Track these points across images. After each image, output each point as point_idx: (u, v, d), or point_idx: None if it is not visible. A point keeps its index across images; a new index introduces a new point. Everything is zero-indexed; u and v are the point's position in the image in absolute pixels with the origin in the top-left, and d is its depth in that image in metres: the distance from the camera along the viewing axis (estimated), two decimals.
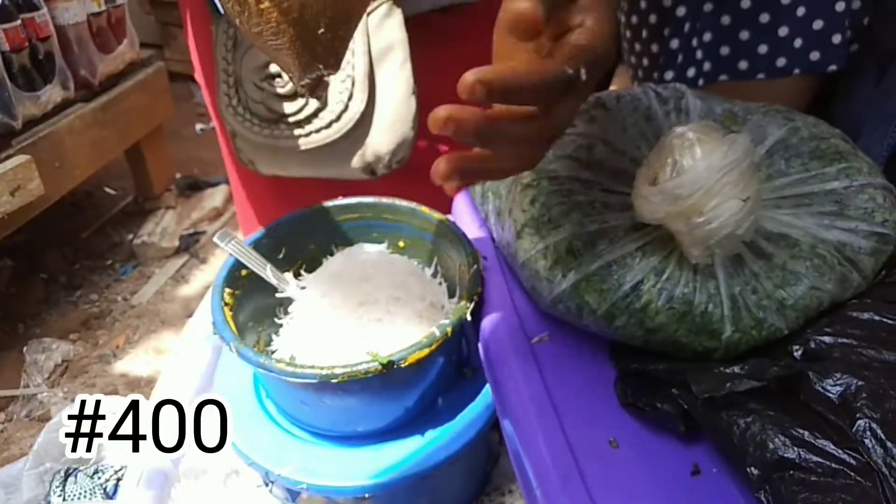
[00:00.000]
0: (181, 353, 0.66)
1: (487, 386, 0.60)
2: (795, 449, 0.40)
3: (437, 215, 0.65)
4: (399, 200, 0.67)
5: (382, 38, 0.70)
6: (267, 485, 0.60)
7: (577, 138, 0.56)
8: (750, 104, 0.60)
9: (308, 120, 0.73)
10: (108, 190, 2.00)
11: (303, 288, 0.64)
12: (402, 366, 0.50)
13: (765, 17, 0.81)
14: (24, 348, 1.42)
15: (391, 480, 0.54)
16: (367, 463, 0.55)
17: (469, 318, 0.55)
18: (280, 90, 0.72)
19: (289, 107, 0.73)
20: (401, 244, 0.68)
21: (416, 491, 0.59)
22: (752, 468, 0.40)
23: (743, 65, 0.85)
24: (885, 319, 0.47)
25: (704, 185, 0.43)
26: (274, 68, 0.71)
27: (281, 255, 0.66)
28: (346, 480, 0.54)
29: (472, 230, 0.66)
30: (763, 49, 0.83)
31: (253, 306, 0.63)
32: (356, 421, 0.56)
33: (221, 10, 0.73)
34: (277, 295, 0.63)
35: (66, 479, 0.99)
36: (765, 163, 0.54)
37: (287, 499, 0.60)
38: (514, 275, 0.59)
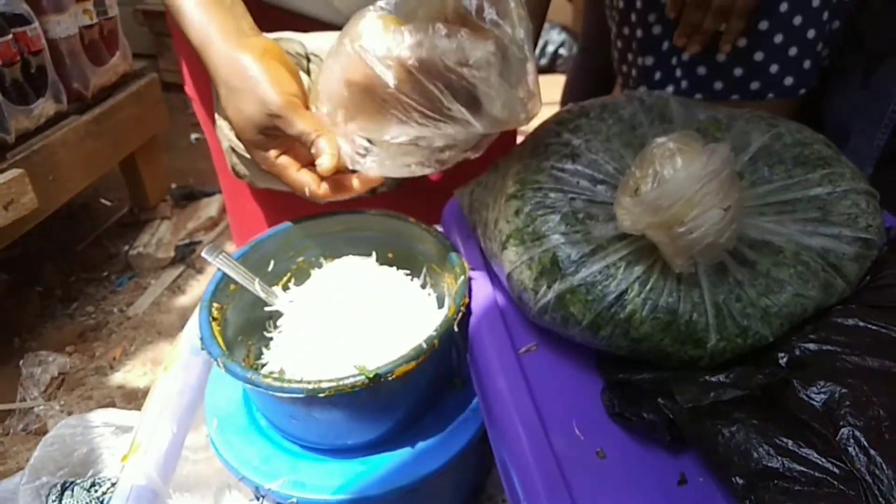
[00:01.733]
0: (171, 367, 0.66)
1: (477, 396, 0.60)
2: (780, 458, 0.40)
3: (425, 227, 0.65)
4: (388, 212, 0.67)
5: None
6: (258, 499, 0.60)
7: (560, 148, 0.56)
8: (734, 111, 0.61)
9: None
10: (103, 201, 2.00)
11: (291, 301, 0.64)
12: (390, 379, 0.50)
13: (742, 42, 0.82)
14: (21, 362, 1.42)
15: (381, 493, 0.54)
16: (357, 475, 0.55)
17: (457, 329, 0.55)
18: None
19: None
20: (389, 255, 0.68)
21: (407, 502, 0.59)
22: (737, 477, 0.41)
23: (718, 85, 0.86)
24: (869, 325, 0.47)
25: (685, 196, 0.43)
26: None
27: (269, 269, 0.66)
28: (337, 494, 0.54)
29: (460, 241, 0.66)
30: (738, 72, 0.84)
31: (242, 320, 0.63)
32: (345, 434, 0.56)
33: None
34: (266, 308, 0.63)
35: (62, 493, 0.99)
36: (748, 170, 0.54)
37: None
38: (501, 286, 0.60)
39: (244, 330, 0.63)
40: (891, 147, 0.83)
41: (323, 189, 0.57)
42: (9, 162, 1.33)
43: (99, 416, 1.01)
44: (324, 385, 0.50)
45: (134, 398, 1.38)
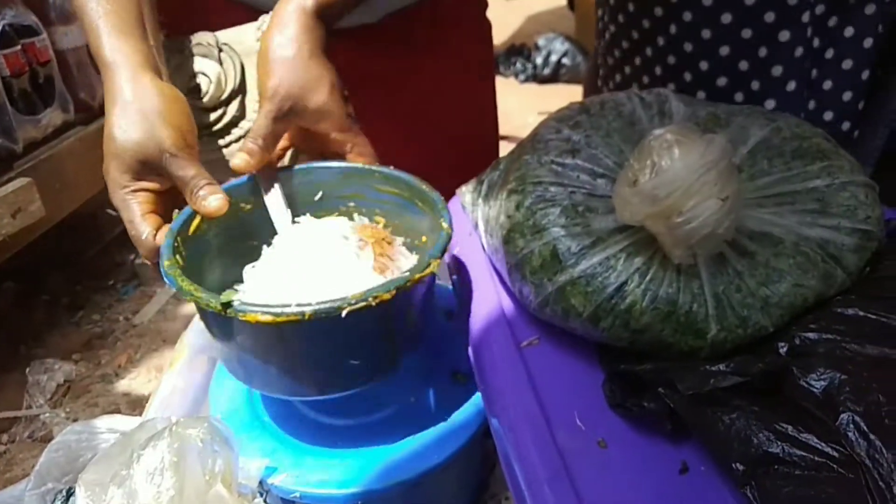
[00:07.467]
0: (176, 365, 0.66)
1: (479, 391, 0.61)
2: (780, 443, 0.40)
3: (413, 180, 0.62)
4: (392, 173, 0.64)
5: None
6: (261, 494, 0.61)
7: (561, 143, 0.57)
8: (733, 106, 0.61)
9: (227, 129, 0.73)
10: (109, 211, 2.01)
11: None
12: (351, 309, 0.46)
13: (755, 85, 0.75)
14: (27, 369, 1.43)
15: (384, 487, 0.54)
16: (359, 470, 0.55)
17: (436, 272, 0.52)
18: (204, 103, 0.72)
19: (210, 117, 0.73)
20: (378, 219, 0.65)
21: (410, 497, 0.59)
22: (738, 464, 0.41)
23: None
24: (869, 315, 0.47)
25: (682, 186, 0.44)
26: (197, 82, 0.72)
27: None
28: (340, 488, 0.54)
29: (461, 236, 0.67)
30: (739, 97, 0.76)
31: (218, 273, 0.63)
32: (303, 376, 0.53)
33: None
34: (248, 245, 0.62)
35: (67, 499, 0.99)
36: (747, 163, 0.55)
37: None
38: (502, 280, 0.60)
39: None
40: (891, 147, 0.83)
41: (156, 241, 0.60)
42: (17, 171, 1.35)
43: (104, 423, 1.01)
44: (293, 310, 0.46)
45: (139, 405, 1.38)
